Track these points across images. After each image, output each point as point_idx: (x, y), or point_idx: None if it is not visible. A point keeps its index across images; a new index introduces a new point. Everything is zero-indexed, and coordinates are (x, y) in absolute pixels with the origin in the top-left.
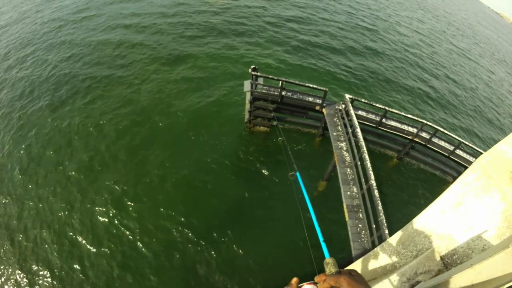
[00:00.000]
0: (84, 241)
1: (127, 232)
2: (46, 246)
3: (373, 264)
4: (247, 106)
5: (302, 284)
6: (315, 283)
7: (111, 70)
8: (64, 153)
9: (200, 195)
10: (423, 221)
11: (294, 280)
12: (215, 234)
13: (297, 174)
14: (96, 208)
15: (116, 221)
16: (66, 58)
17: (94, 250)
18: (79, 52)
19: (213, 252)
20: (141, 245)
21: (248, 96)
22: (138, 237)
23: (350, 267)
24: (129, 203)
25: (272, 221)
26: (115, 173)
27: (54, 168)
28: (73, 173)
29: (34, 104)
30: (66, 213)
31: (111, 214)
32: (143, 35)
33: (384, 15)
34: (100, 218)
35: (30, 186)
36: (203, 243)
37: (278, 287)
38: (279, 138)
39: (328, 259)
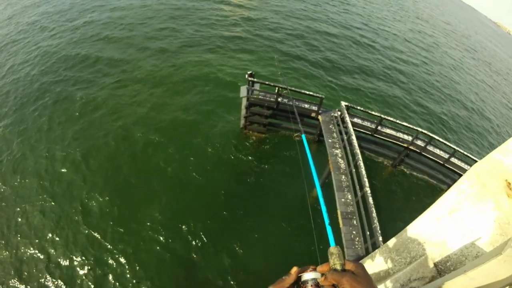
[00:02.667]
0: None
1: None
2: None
3: (367, 271)
4: (243, 111)
5: (302, 273)
6: (316, 272)
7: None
8: None
9: (195, 198)
10: (417, 228)
11: (294, 270)
12: (212, 233)
13: (303, 136)
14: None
15: (112, 224)
16: None
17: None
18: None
19: (211, 251)
20: (133, 257)
21: (244, 102)
22: (131, 243)
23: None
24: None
25: (272, 217)
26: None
27: None
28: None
29: None
30: None
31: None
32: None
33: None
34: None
35: None
36: (199, 243)
37: (278, 277)
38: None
39: (333, 249)
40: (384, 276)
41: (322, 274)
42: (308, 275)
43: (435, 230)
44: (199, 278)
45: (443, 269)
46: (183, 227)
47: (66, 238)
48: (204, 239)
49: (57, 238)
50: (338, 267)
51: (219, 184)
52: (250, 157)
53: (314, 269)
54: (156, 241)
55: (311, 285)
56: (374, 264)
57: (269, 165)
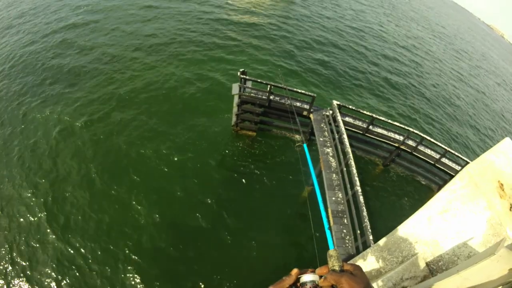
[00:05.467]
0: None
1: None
2: None
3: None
4: (235, 109)
5: (301, 275)
6: (315, 274)
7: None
8: None
9: (187, 195)
10: (409, 228)
11: (294, 271)
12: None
13: (304, 145)
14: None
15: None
16: None
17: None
18: None
19: (211, 250)
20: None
21: (235, 99)
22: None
23: None
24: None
25: (267, 219)
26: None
27: None
28: None
29: None
30: None
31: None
32: None
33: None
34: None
35: None
36: (190, 246)
37: (279, 277)
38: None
39: (332, 251)
40: (376, 275)
41: (321, 277)
42: (307, 277)
43: (427, 229)
44: (194, 280)
45: (435, 268)
46: (172, 229)
47: None
48: (195, 241)
49: None
50: (337, 268)
51: (209, 184)
52: (241, 155)
53: (313, 272)
54: (146, 242)
55: (310, 287)
56: (366, 263)
57: (261, 163)
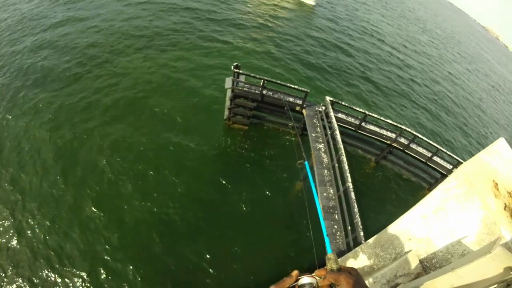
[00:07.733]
0: None
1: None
2: None
3: (351, 266)
4: (227, 103)
5: (301, 277)
6: (314, 276)
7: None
8: None
9: (180, 190)
10: (403, 225)
11: (295, 273)
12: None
13: (306, 163)
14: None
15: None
16: None
17: None
18: None
19: (205, 251)
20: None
21: (228, 93)
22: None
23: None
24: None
25: (263, 220)
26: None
27: None
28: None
29: None
30: None
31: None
32: None
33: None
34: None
35: None
36: (189, 241)
37: (279, 278)
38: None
39: (330, 255)
40: (369, 271)
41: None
42: (305, 279)
43: (421, 227)
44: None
45: (429, 266)
46: (166, 226)
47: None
48: (192, 241)
49: None
50: (335, 269)
51: (199, 179)
52: (232, 149)
53: (312, 275)
54: (142, 236)
55: None
56: (359, 260)
57: (253, 157)
